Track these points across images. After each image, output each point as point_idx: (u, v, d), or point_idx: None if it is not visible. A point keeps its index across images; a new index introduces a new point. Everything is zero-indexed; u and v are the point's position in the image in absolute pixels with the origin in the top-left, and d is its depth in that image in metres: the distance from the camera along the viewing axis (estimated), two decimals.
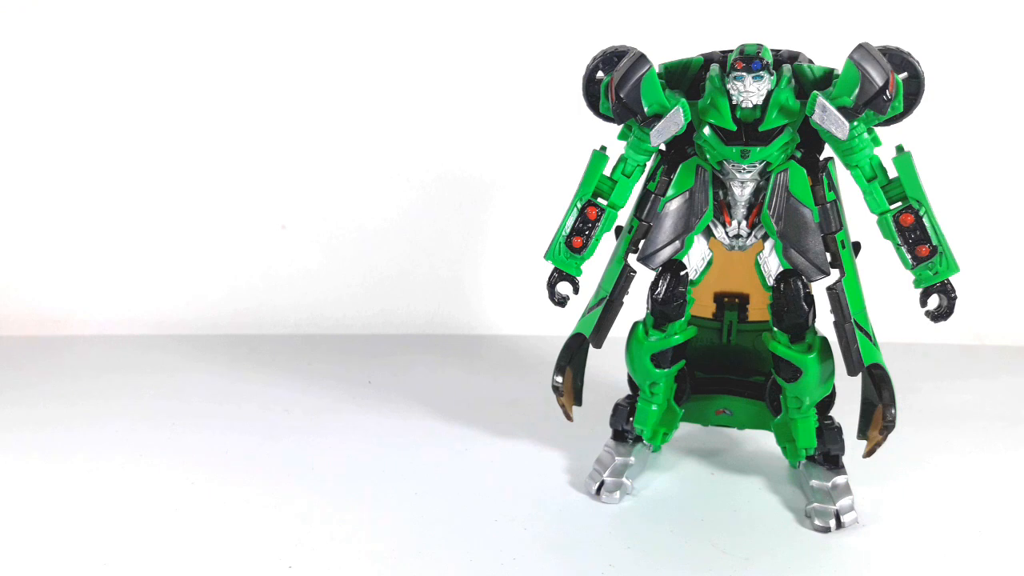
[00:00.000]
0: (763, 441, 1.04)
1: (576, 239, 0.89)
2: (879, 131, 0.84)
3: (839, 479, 0.89)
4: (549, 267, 0.91)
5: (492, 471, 0.98)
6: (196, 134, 1.52)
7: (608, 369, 1.06)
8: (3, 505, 0.90)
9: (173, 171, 1.53)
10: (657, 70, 0.83)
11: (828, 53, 0.89)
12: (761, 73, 0.79)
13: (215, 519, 0.87)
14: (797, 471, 0.94)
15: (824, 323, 0.86)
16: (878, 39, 0.82)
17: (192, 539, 0.83)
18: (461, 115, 1.52)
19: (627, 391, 0.98)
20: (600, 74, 0.88)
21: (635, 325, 0.90)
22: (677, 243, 0.86)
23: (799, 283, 0.85)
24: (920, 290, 0.84)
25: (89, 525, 0.86)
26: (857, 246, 0.87)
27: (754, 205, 0.85)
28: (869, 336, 0.86)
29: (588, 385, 0.97)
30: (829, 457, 0.91)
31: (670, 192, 0.86)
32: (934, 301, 0.84)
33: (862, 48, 0.79)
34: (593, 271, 0.91)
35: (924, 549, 0.82)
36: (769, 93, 0.80)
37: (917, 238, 0.82)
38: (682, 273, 0.87)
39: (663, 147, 0.88)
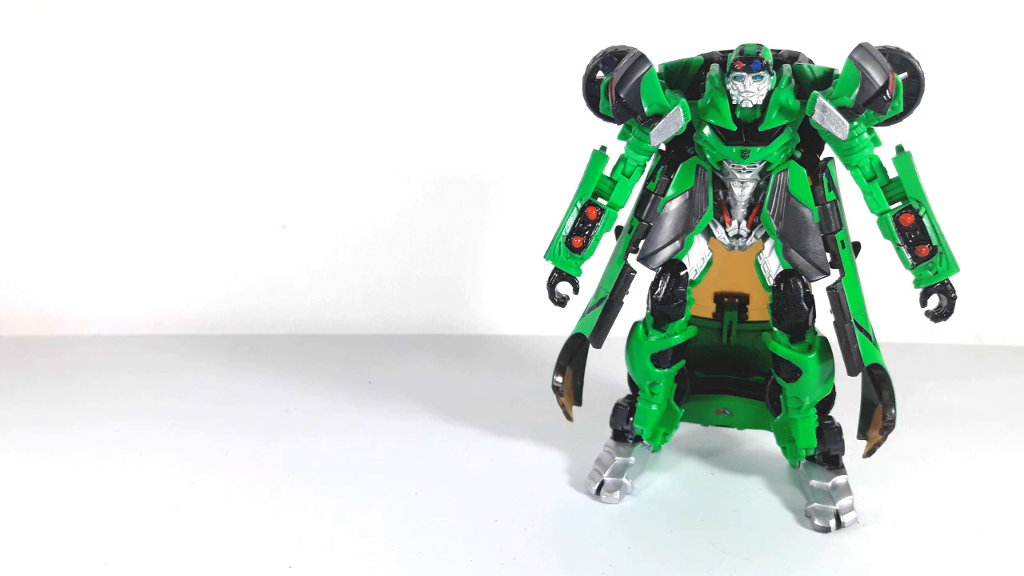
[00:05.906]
0: (763, 441, 1.04)
1: (576, 239, 0.89)
2: (879, 131, 0.84)
3: (839, 479, 0.89)
4: (549, 267, 0.91)
5: (492, 471, 0.98)
6: (196, 135, 1.52)
7: (608, 369, 1.06)
8: (3, 505, 0.90)
9: (173, 171, 1.53)
10: (657, 70, 0.83)
11: (828, 53, 0.89)
12: (761, 73, 0.79)
13: (215, 519, 0.87)
14: (797, 471, 0.94)
15: (824, 323, 0.85)
16: (878, 39, 0.82)
17: (192, 539, 0.83)
18: (461, 115, 1.52)
19: (627, 391, 0.98)
20: (600, 74, 0.88)
21: (635, 325, 0.90)
22: (677, 243, 0.86)
23: (799, 283, 0.85)
24: (920, 290, 0.83)
25: (89, 525, 0.86)
26: (857, 246, 0.87)
27: (754, 205, 0.85)
28: (869, 336, 0.86)
29: (588, 385, 0.97)
30: (829, 457, 0.91)
31: (670, 192, 0.86)
32: (934, 301, 0.84)
33: (862, 48, 0.78)
34: (593, 271, 0.91)
35: (924, 549, 0.82)
36: (769, 93, 0.80)
37: (917, 238, 0.82)
38: (682, 273, 0.87)
39: (663, 147, 0.88)
